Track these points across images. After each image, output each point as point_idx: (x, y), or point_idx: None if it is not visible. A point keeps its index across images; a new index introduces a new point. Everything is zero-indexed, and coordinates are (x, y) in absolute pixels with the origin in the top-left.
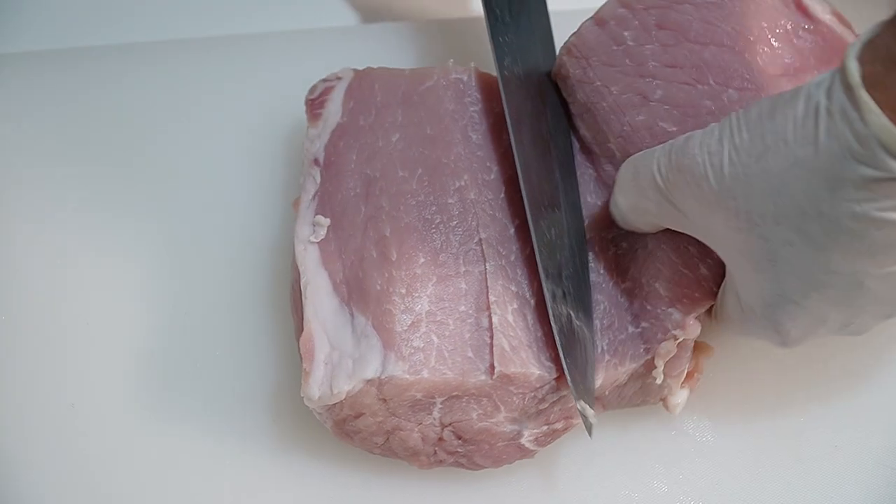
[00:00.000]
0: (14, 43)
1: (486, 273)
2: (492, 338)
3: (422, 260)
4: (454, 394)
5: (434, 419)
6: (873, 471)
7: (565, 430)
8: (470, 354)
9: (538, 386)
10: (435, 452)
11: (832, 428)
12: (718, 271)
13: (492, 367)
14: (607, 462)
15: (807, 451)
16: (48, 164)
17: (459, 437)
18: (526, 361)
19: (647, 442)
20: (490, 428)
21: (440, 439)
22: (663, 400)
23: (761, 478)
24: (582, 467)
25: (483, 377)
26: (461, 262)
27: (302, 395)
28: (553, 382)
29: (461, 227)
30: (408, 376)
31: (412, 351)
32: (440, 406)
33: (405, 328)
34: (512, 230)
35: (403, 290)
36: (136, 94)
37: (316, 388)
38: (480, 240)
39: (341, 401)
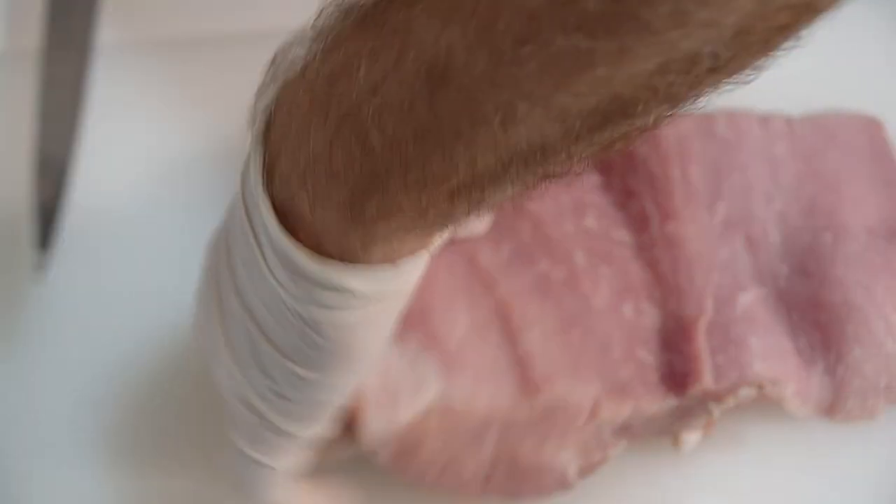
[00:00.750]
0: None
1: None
2: (526, 361)
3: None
4: (506, 420)
5: (488, 447)
6: (887, 465)
7: (601, 462)
8: (511, 378)
9: (578, 412)
10: (485, 482)
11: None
12: None
13: (532, 389)
14: (618, 458)
15: (821, 443)
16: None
17: (510, 469)
18: (563, 385)
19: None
20: (540, 459)
21: (492, 468)
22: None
23: (775, 471)
24: None
25: (526, 402)
26: (498, 276)
27: (361, 439)
28: (591, 409)
29: None
30: (466, 397)
31: (465, 372)
32: (494, 434)
33: (456, 348)
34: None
35: (444, 308)
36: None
37: (374, 425)
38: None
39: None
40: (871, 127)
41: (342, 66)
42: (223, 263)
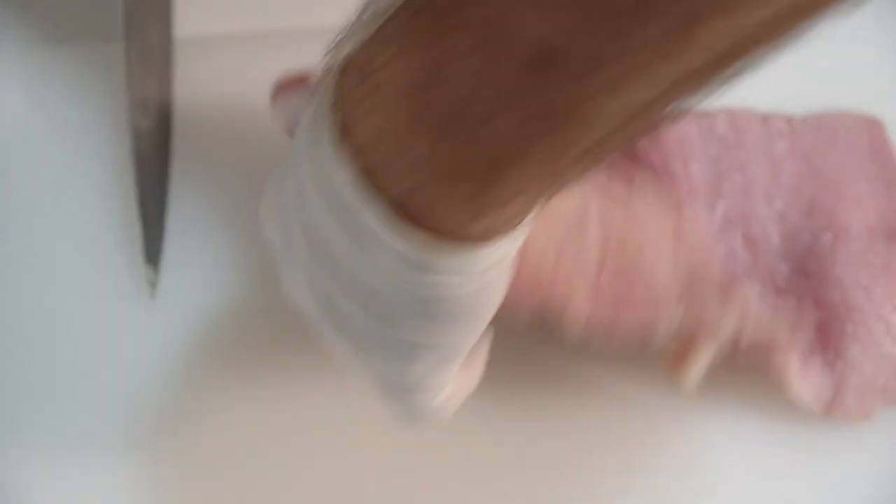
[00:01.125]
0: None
1: None
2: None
3: None
4: (603, 199)
5: (593, 227)
6: (885, 465)
7: None
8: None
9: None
10: (600, 269)
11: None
12: None
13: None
14: (610, 457)
15: (820, 443)
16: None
17: (621, 248)
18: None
19: (652, 435)
20: (646, 239)
21: (604, 248)
22: (676, 364)
23: (774, 471)
24: (582, 462)
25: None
26: None
27: None
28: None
29: None
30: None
31: None
32: (595, 212)
33: None
34: None
35: None
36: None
37: None
38: None
39: None
40: (871, 127)
41: (430, 70)
42: (319, 260)
